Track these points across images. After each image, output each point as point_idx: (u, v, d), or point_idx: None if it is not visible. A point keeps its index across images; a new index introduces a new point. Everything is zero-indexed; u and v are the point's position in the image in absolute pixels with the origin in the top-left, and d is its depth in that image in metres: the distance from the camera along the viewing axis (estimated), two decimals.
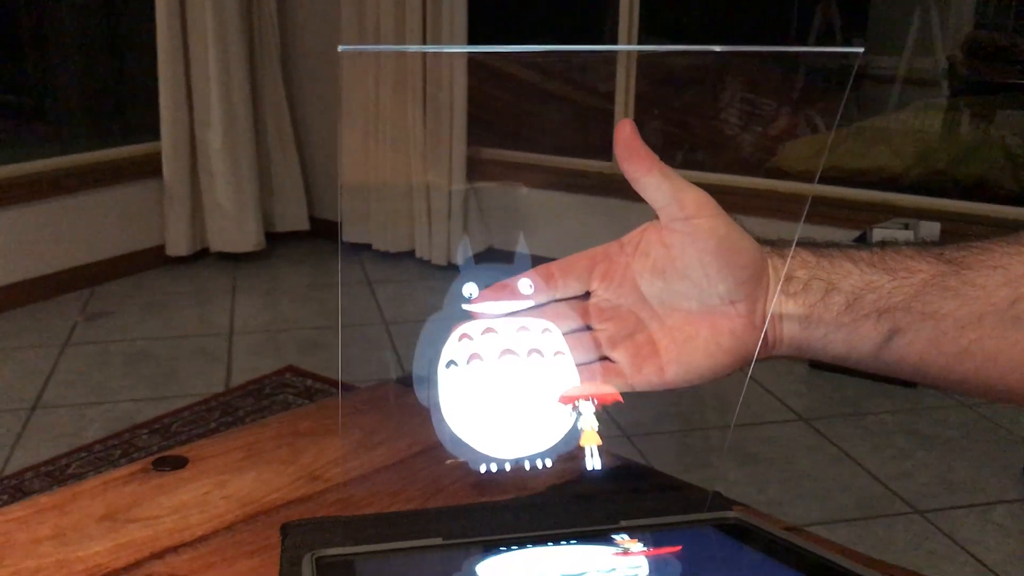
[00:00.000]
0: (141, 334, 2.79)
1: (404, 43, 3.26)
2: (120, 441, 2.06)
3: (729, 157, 3.55)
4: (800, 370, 2.47)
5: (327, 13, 3.51)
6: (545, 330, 0.60)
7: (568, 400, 0.58)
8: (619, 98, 3.22)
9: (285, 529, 0.56)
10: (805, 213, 0.57)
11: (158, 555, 0.59)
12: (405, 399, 0.84)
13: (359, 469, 0.70)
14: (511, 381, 0.58)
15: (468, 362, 0.58)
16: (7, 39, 3.64)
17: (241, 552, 0.59)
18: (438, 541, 0.52)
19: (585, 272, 0.58)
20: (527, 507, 0.59)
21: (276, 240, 3.64)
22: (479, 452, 0.57)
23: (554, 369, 0.58)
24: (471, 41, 3.32)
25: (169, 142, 3.39)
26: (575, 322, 0.59)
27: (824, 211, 2.92)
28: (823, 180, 3.06)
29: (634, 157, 0.53)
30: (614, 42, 3.23)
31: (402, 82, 3.30)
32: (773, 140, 3.50)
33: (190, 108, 3.40)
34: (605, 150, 3.29)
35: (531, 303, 0.60)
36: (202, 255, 3.55)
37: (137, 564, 0.58)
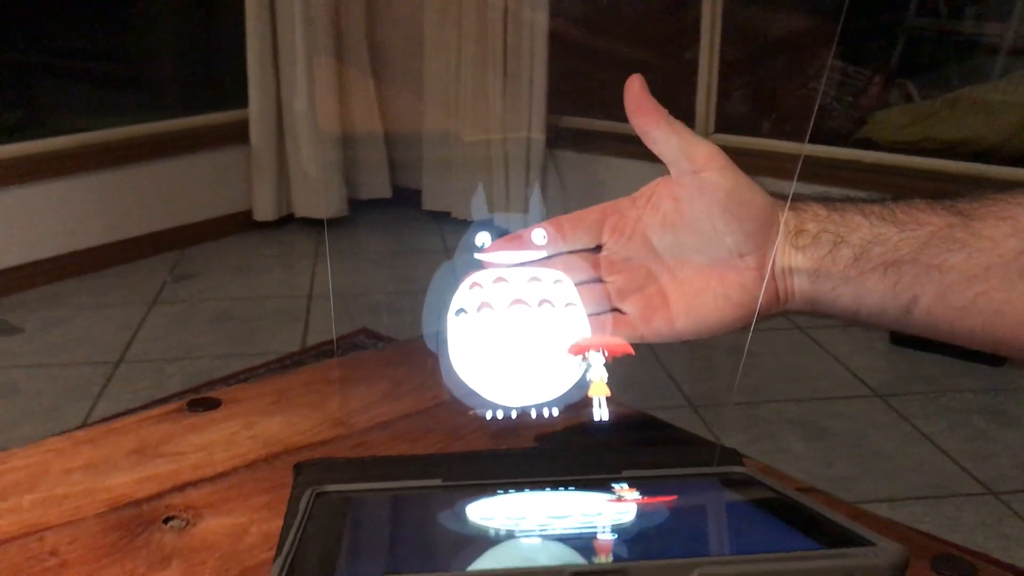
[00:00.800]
0: (225, 294, 2.88)
1: (486, 18, 3.26)
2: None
3: (817, 126, 3.45)
4: (880, 345, 2.40)
5: None
6: (557, 281, 0.60)
7: (578, 350, 0.58)
8: (703, 64, 3.16)
9: (298, 467, 0.58)
10: (798, 171, 0.56)
11: (179, 488, 0.61)
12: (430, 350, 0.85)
13: (383, 416, 0.72)
14: (520, 330, 0.58)
15: (478, 310, 0.58)
16: (106, 11, 3.78)
17: (257, 488, 0.61)
18: (437, 482, 0.53)
19: (596, 225, 0.58)
20: (532, 455, 0.59)
21: (359, 207, 3.70)
22: (485, 399, 0.57)
23: (564, 319, 0.58)
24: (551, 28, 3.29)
25: (256, 109, 3.47)
26: (586, 274, 0.59)
27: (914, 183, 2.83)
28: (914, 151, 2.95)
29: (643, 111, 0.54)
30: (699, 9, 3.16)
31: (482, 48, 3.30)
32: (863, 110, 3.39)
33: (277, 75, 3.47)
34: (687, 119, 3.24)
35: (543, 254, 0.60)
36: (287, 220, 3.63)
37: (158, 496, 0.60)
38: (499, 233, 0.62)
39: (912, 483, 1.78)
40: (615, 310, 0.58)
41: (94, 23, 3.88)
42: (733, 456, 0.57)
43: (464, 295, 0.59)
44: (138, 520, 0.57)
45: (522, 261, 0.60)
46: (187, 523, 0.57)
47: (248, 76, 3.44)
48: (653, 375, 2.20)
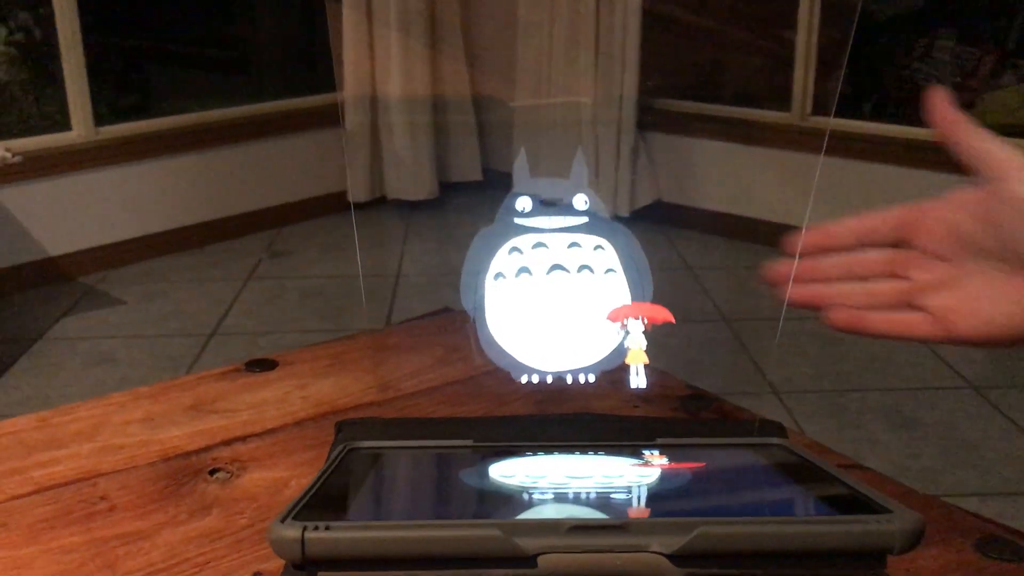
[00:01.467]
0: (316, 272, 2.95)
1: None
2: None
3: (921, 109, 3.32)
4: None
5: None
6: (598, 247, 0.59)
7: (616, 317, 0.57)
8: (800, 45, 3.07)
9: (339, 426, 0.59)
10: (824, 147, 0.55)
11: (227, 442, 0.63)
12: None
13: (432, 382, 0.72)
14: (558, 296, 0.58)
15: (516, 275, 0.58)
16: (218, 3, 3.92)
17: (301, 445, 0.63)
18: (468, 443, 0.53)
19: (901, 223, 0.57)
20: (566, 421, 0.59)
21: (450, 189, 3.73)
22: (521, 363, 0.57)
23: (604, 286, 0.58)
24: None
25: (350, 93, 3.53)
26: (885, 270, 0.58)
27: None
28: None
29: (949, 121, 0.54)
30: None
31: (574, 30, 3.28)
32: (973, 91, 3.24)
33: (372, 61, 3.53)
34: (783, 100, 3.16)
35: (583, 220, 0.60)
36: (380, 202, 3.69)
37: (207, 449, 0.62)
38: (540, 200, 0.62)
39: (1004, 476, 1.71)
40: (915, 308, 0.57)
41: (203, 12, 4.02)
42: (776, 429, 0.55)
43: (502, 260, 0.59)
44: (186, 470, 0.60)
45: (562, 228, 0.60)
46: (231, 475, 0.59)
47: (344, 62, 3.51)
48: (736, 360, 2.16)
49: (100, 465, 0.60)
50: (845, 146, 2.97)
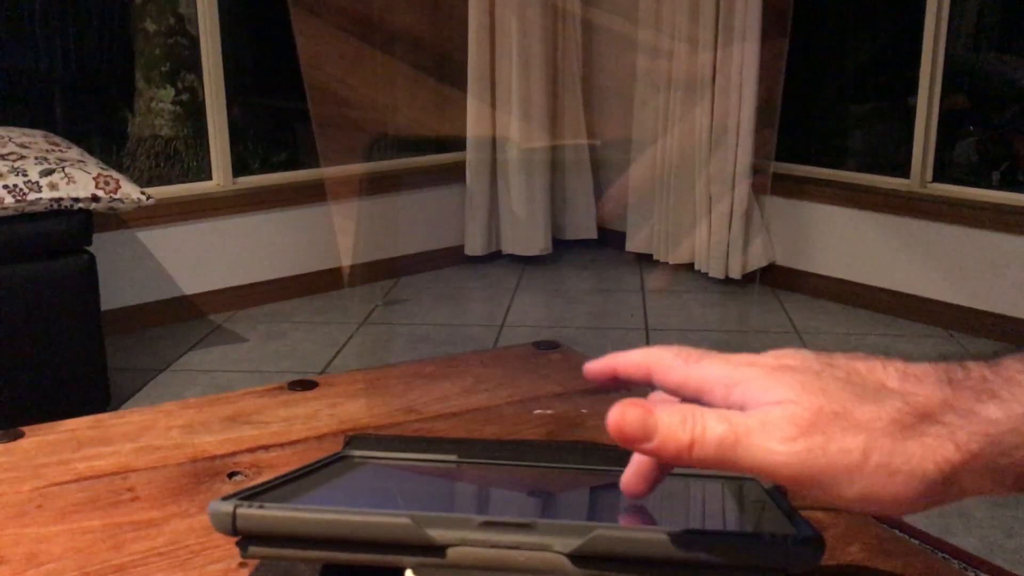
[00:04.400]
0: (426, 320, 3.04)
1: (695, 62, 3.27)
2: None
3: None
4: None
5: (628, 40, 3.61)
6: None
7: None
8: (920, 111, 3.00)
9: (348, 438, 0.63)
10: None
11: (252, 450, 0.68)
12: (528, 359, 0.89)
13: (455, 408, 0.76)
14: None
15: None
16: None
17: (318, 456, 0.67)
18: (453, 458, 0.56)
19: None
20: (556, 447, 0.62)
21: (564, 246, 3.79)
22: None
23: None
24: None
25: (473, 154, 3.66)
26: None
27: None
28: None
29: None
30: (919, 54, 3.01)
31: (690, 90, 3.31)
32: None
33: (493, 125, 3.65)
34: (902, 166, 3.09)
35: None
36: (496, 256, 3.78)
37: (232, 454, 0.68)
38: None
39: None
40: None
41: None
42: None
43: None
44: (209, 472, 0.65)
45: None
46: (247, 478, 0.64)
47: (467, 124, 3.64)
48: None
49: (135, 462, 0.66)
50: (972, 214, 2.87)
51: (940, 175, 3.03)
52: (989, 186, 3.03)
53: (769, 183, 3.29)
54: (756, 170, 3.26)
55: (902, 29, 3.29)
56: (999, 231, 2.83)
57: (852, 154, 3.52)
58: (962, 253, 2.89)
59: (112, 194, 2.24)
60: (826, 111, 3.64)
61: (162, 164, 3.44)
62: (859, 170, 3.25)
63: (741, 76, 3.17)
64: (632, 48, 3.55)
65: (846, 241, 3.17)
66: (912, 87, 3.04)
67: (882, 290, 3.08)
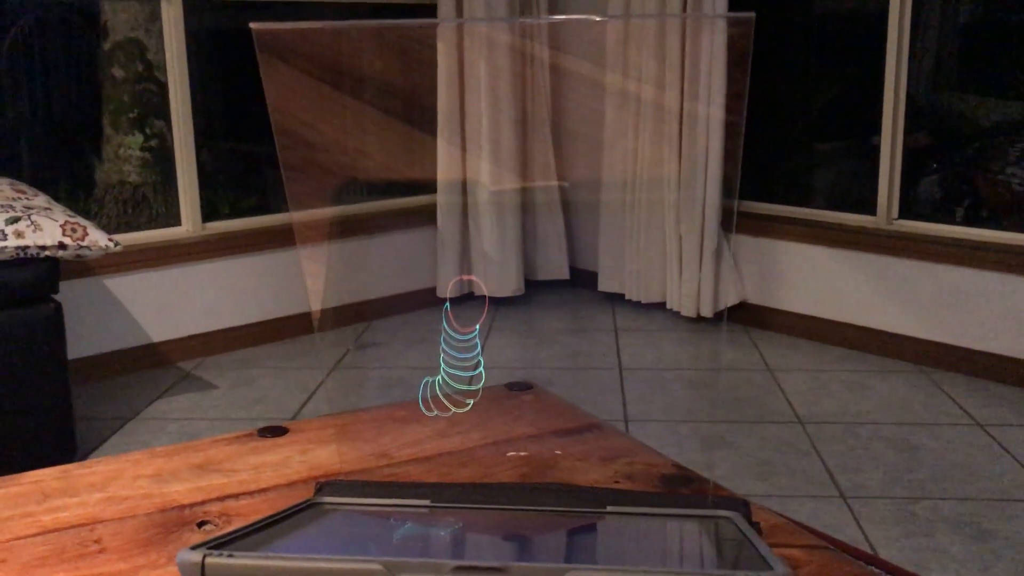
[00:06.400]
0: (398, 363, 3.02)
1: (663, 107, 3.32)
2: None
3: (1018, 216, 3.23)
4: None
5: (596, 83, 3.66)
6: None
7: None
8: (884, 149, 3.06)
9: (319, 486, 0.63)
10: None
11: (221, 499, 0.67)
12: (502, 401, 0.89)
13: (427, 451, 0.75)
14: None
15: None
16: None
17: (289, 503, 0.66)
18: (426, 503, 0.56)
19: None
20: (525, 489, 0.61)
21: (536, 287, 3.80)
22: None
23: None
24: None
25: (444, 196, 3.67)
26: None
27: None
28: None
29: None
30: (881, 94, 3.07)
31: (659, 131, 3.35)
32: None
33: (464, 167, 3.67)
34: (868, 203, 3.13)
35: None
36: (467, 298, 3.78)
37: (201, 503, 0.66)
38: None
39: None
40: None
41: None
42: (735, 504, 0.56)
43: None
44: (178, 522, 0.64)
45: None
46: (216, 527, 0.63)
47: (437, 167, 3.66)
48: (808, 463, 2.10)
49: (102, 513, 0.65)
50: (937, 250, 2.91)
51: (905, 212, 3.07)
52: (953, 222, 3.08)
53: (734, 221, 3.32)
54: (724, 209, 3.30)
55: (864, 69, 3.36)
56: (964, 266, 2.87)
57: (819, 192, 3.57)
58: (929, 288, 2.93)
59: (79, 241, 2.22)
60: (792, 150, 3.70)
61: (130, 210, 3.42)
62: (826, 208, 3.29)
63: (708, 116, 3.21)
64: (600, 91, 3.60)
65: (815, 278, 3.20)
66: (876, 126, 3.10)
67: (851, 326, 3.10)
